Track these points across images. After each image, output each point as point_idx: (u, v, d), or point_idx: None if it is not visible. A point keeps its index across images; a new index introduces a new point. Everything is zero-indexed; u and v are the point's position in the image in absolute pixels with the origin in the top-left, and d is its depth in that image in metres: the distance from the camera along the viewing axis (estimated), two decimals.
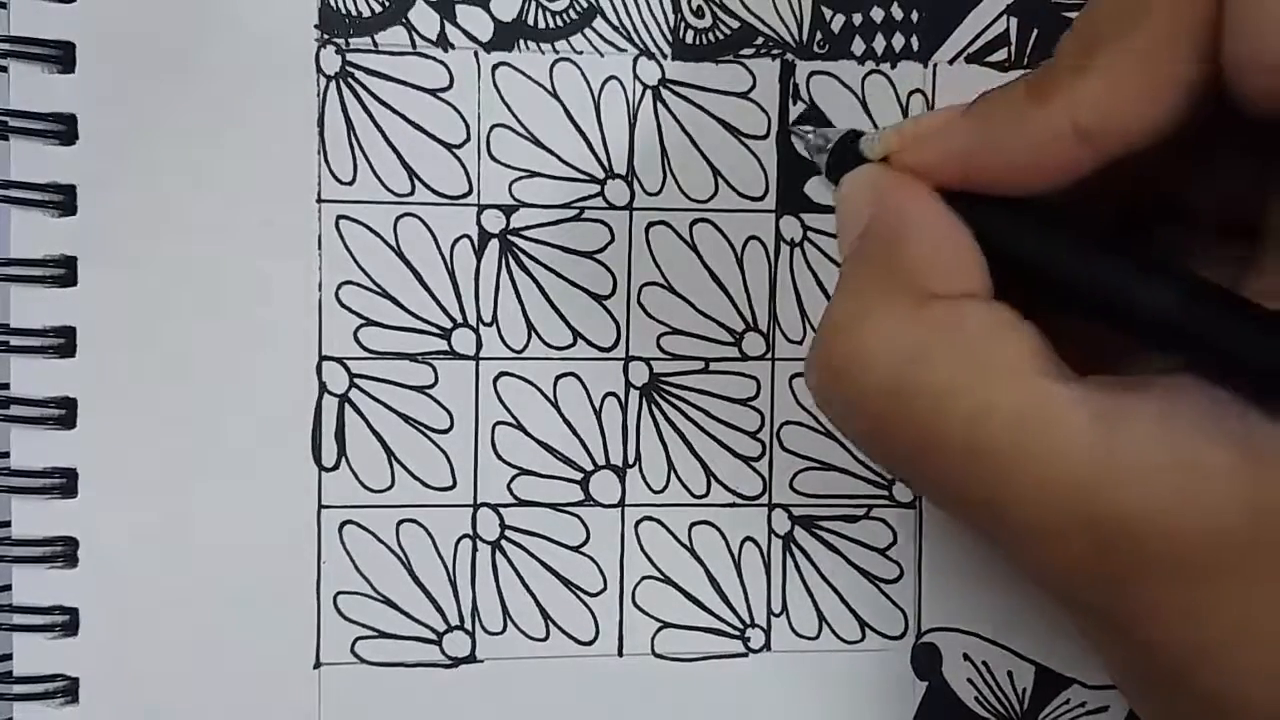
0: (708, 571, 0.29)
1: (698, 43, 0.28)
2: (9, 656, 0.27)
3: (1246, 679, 0.17)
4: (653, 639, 0.29)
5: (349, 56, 0.28)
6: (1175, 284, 0.18)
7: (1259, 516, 0.16)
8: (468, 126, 0.28)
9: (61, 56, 0.27)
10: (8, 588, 0.27)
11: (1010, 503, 0.18)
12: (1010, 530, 0.18)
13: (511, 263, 0.28)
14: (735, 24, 0.28)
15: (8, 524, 0.27)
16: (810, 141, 0.23)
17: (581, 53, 0.28)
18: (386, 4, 0.28)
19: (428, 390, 0.28)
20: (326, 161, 0.28)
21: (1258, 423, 0.17)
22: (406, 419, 0.28)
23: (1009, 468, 0.18)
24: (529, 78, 0.28)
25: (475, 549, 0.29)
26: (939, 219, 0.19)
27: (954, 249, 0.19)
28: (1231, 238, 0.20)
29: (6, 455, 0.27)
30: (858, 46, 0.29)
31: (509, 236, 0.28)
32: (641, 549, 0.29)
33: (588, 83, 0.28)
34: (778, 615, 0.29)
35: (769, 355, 0.29)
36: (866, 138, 0.22)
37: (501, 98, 0.28)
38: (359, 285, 0.28)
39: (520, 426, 0.29)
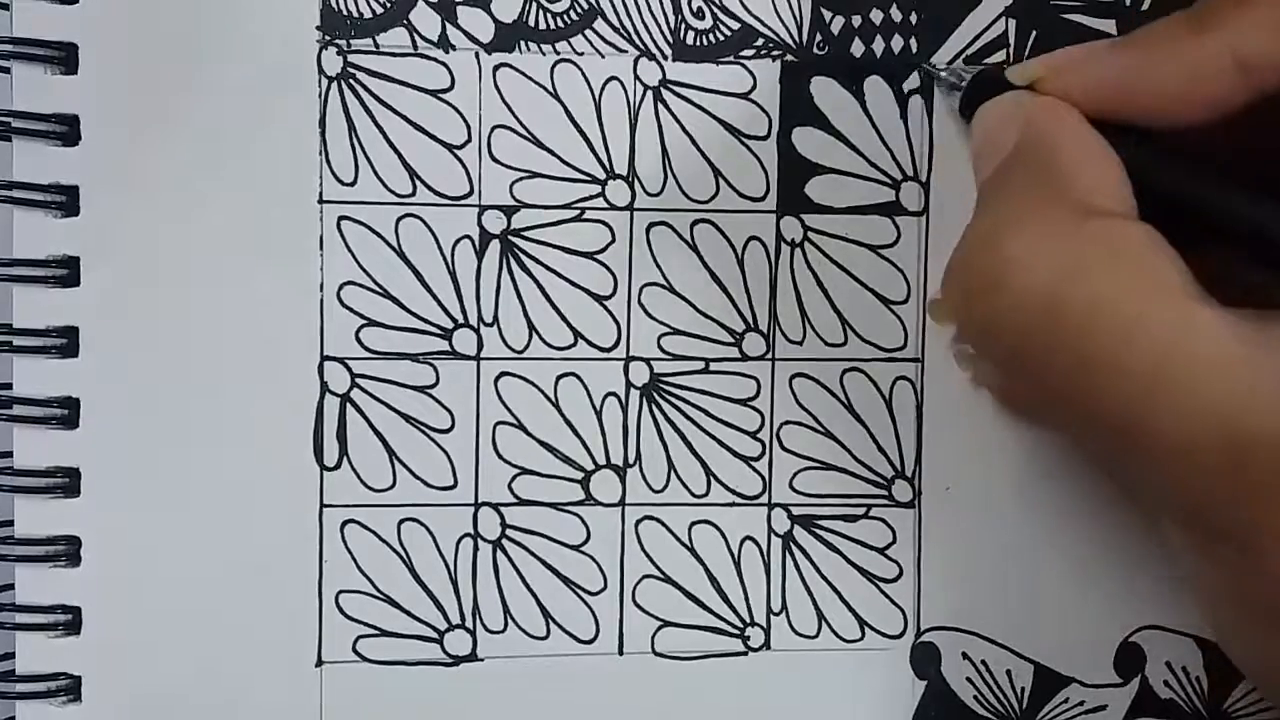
0: (707, 570, 0.29)
1: (698, 44, 0.29)
2: (12, 655, 0.27)
3: None
4: (653, 638, 0.29)
5: (350, 58, 0.28)
6: None
7: None
8: (469, 127, 0.28)
9: (64, 58, 0.27)
10: (11, 587, 0.27)
11: (1151, 419, 0.18)
12: (1146, 449, 0.18)
13: (512, 263, 0.28)
14: (735, 25, 0.29)
15: (11, 523, 0.27)
16: (943, 78, 0.23)
17: (582, 54, 0.28)
18: (388, 5, 0.28)
19: (429, 390, 0.28)
20: (328, 162, 0.28)
21: None
22: (408, 419, 0.28)
23: (1154, 384, 0.18)
24: (530, 79, 0.28)
25: (476, 548, 0.29)
26: (1092, 139, 0.19)
27: (1108, 169, 0.19)
28: None
29: (10, 455, 0.27)
30: (857, 48, 0.29)
31: (510, 237, 0.28)
32: (642, 548, 0.29)
33: (588, 83, 0.28)
34: (777, 614, 0.29)
35: (769, 355, 0.29)
36: (1013, 67, 0.22)
37: (502, 98, 0.28)
38: (360, 286, 0.28)
39: (521, 426, 0.29)
